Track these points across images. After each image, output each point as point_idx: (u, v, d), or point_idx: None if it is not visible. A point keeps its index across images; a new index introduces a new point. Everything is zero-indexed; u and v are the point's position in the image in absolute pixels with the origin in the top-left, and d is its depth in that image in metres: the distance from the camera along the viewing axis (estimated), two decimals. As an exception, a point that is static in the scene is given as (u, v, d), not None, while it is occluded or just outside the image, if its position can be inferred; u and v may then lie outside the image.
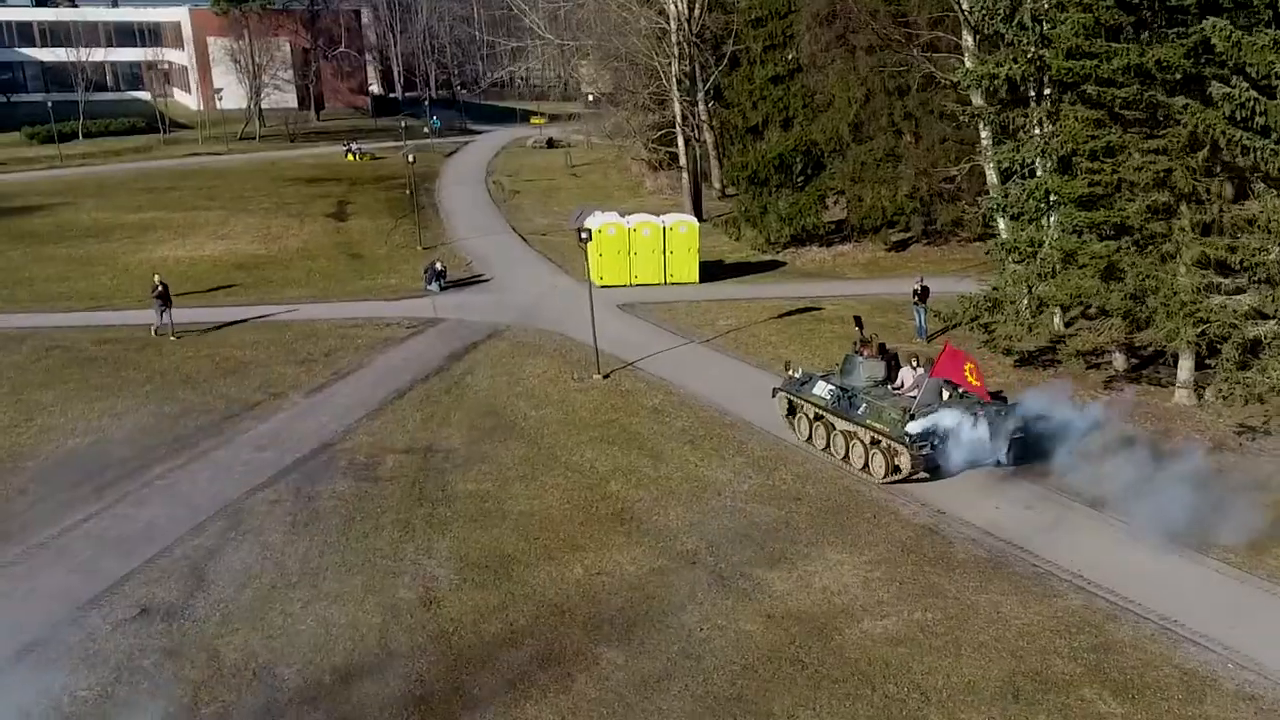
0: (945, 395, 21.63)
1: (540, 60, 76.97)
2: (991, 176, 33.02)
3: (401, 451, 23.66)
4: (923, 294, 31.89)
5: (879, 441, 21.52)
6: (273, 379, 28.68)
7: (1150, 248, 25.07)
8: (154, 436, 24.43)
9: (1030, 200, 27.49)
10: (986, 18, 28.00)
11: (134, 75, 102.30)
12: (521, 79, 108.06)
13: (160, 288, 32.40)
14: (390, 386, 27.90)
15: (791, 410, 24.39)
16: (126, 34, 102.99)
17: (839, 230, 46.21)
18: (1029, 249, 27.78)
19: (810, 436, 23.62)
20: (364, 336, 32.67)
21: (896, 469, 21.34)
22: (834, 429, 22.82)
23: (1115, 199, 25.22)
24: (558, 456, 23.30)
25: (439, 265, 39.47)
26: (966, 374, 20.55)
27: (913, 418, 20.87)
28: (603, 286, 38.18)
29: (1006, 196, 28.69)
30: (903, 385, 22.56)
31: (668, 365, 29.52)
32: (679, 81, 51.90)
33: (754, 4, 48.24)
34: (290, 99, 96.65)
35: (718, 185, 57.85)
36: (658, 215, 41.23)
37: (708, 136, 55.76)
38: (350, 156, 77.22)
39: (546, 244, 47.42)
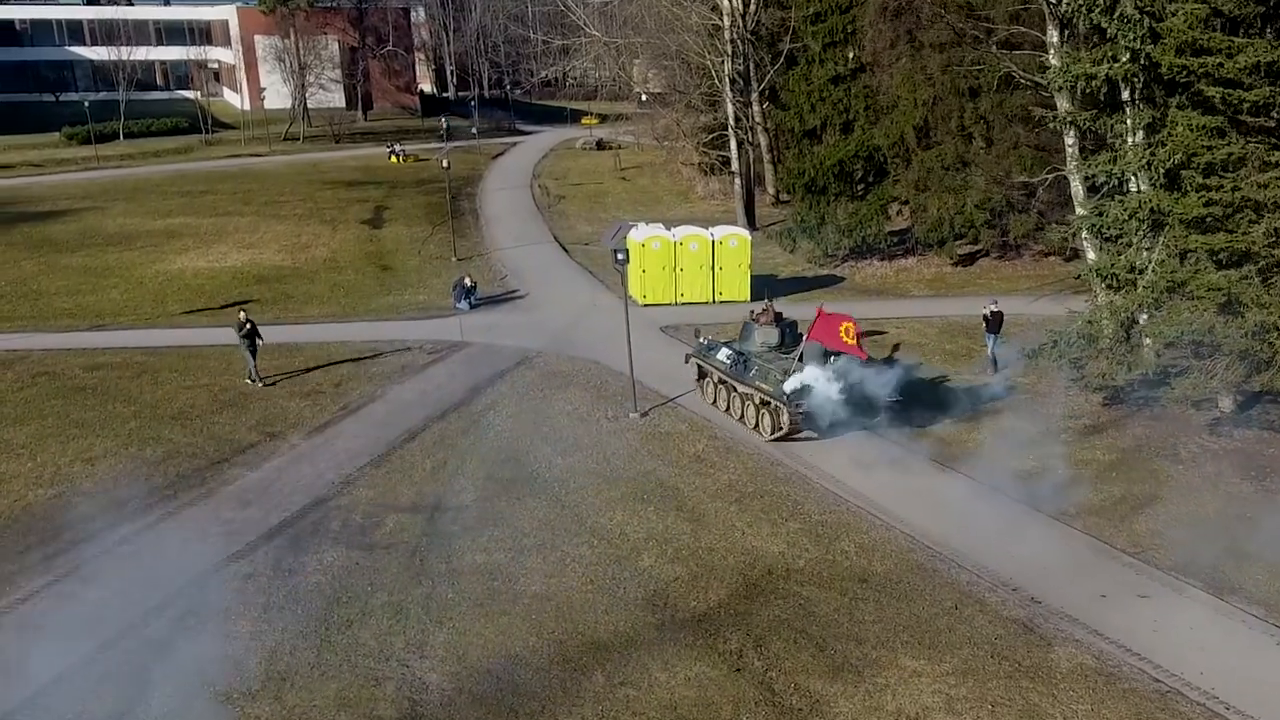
0: (830, 359, 22.95)
1: (591, 59, 73.88)
2: (1077, 190, 29.42)
3: (405, 509, 20.61)
4: (995, 321, 28.40)
5: (768, 403, 23.66)
6: (273, 415, 25.77)
7: (1276, 278, 21.54)
8: (128, 488, 21.39)
9: (1132, 220, 23.94)
10: (1083, 10, 24.41)
11: (183, 75, 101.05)
12: (573, 79, 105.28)
13: (248, 325, 27.98)
14: (401, 426, 24.88)
15: (701, 375, 26.43)
16: (177, 33, 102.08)
17: (902, 243, 42.74)
18: (1127, 276, 24.33)
19: (715, 400, 25.84)
20: (380, 363, 29.70)
21: (781, 427, 23.29)
22: (734, 392, 25.06)
23: (1236, 221, 21.68)
24: (583, 519, 20.13)
25: (468, 281, 36.47)
26: (841, 335, 22.37)
27: (790, 376, 22.72)
28: (645, 305, 35.16)
29: (1101, 215, 25.06)
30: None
31: (714, 400, 26.23)
32: (732, 81, 48.85)
33: (813, -2, 44.75)
34: (338, 98, 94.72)
35: (772, 191, 54.49)
36: (707, 227, 37.99)
37: (762, 140, 52.56)
38: (394, 159, 75.07)
39: (589, 255, 44.31)
